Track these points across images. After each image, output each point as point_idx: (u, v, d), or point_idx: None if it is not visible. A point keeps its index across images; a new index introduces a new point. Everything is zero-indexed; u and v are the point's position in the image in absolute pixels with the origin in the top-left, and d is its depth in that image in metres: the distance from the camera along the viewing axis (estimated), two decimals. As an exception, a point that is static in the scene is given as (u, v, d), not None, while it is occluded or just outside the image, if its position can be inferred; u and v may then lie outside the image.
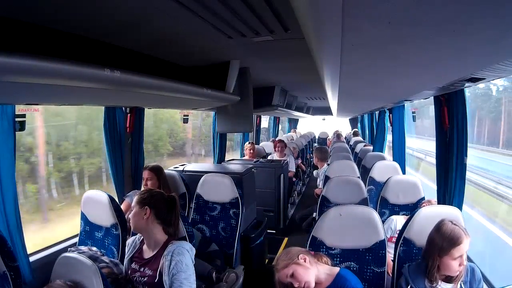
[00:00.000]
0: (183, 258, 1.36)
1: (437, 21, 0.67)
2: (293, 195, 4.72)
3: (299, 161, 5.62)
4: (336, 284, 1.29)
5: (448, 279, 1.34)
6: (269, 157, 4.54)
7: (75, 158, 2.53)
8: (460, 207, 1.78)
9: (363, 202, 2.26)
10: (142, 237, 1.51)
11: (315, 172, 3.92)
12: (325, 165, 3.64)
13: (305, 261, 1.29)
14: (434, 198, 2.08)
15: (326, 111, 8.28)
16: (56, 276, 1.18)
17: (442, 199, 1.91)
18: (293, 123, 10.79)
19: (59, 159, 2.43)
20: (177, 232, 1.53)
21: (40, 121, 2.22)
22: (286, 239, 3.71)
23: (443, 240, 1.31)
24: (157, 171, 2.31)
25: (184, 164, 2.86)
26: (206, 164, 3.27)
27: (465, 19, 0.65)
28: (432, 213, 1.49)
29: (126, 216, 1.87)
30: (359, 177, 2.80)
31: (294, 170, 4.74)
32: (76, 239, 1.98)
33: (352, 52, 0.98)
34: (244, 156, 4.45)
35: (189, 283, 1.35)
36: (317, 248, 1.54)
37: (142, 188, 2.40)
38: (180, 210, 1.56)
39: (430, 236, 1.37)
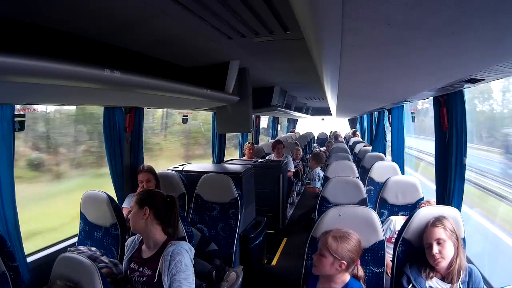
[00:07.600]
0: (182, 258, 1.36)
1: (436, 23, 0.68)
2: (292, 195, 4.71)
3: (300, 165, 5.55)
4: None
5: (445, 278, 1.35)
6: (267, 158, 4.54)
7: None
8: (459, 207, 1.78)
9: (362, 202, 2.27)
10: (141, 237, 1.51)
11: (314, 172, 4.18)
12: (319, 167, 4.33)
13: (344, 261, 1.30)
14: (433, 198, 2.09)
15: (326, 111, 8.29)
16: (55, 276, 1.18)
17: (441, 199, 1.91)
18: (292, 123, 10.79)
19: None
20: (176, 232, 1.53)
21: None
22: (285, 239, 3.70)
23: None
24: (153, 171, 2.27)
25: (183, 164, 2.86)
26: (206, 164, 3.26)
27: (464, 22, 0.66)
28: (431, 213, 1.49)
29: (126, 217, 1.87)
30: (358, 177, 2.79)
31: (293, 170, 4.74)
32: (75, 239, 1.98)
33: (351, 53, 0.98)
34: (244, 156, 4.46)
35: (188, 283, 1.35)
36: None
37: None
38: (179, 210, 1.56)
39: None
